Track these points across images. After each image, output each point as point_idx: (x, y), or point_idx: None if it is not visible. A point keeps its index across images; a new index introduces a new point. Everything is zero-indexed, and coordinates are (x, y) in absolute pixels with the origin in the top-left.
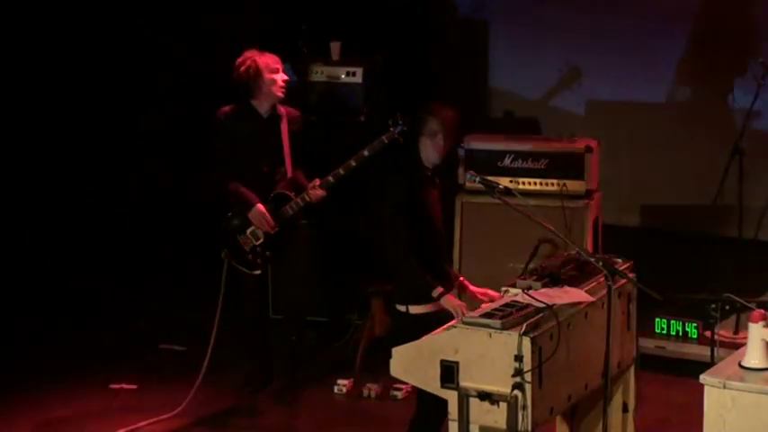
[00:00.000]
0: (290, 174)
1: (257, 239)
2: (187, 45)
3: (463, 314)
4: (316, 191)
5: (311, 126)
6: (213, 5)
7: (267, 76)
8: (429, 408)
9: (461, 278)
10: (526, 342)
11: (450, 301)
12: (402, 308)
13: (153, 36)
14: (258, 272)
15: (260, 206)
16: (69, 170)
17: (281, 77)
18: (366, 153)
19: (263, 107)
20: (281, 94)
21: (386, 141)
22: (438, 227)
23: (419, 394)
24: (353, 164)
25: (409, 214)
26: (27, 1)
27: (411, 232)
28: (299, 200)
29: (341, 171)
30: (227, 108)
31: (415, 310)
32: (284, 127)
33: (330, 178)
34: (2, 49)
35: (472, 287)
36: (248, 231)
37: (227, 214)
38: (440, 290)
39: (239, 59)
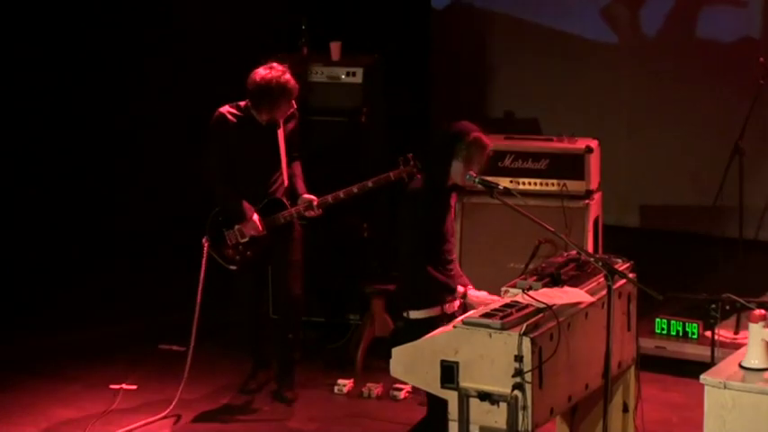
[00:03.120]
0: (285, 182)
1: (242, 237)
2: (186, 44)
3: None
4: (312, 211)
5: (311, 126)
6: (213, 5)
7: (282, 104)
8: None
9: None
10: (526, 342)
11: (474, 298)
12: (404, 313)
13: (152, 35)
14: (233, 267)
15: (256, 217)
16: (69, 169)
17: (289, 107)
18: (370, 185)
19: (261, 117)
20: (280, 121)
21: (393, 178)
22: (450, 239)
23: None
24: (355, 191)
25: (426, 231)
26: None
27: (427, 245)
28: (293, 210)
29: (341, 195)
30: (225, 108)
31: (414, 315)
32: (281, 131)
33: (330, 199)
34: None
35: (470, 288)
36: (236, 228)
37: (216, 208)
38: (461, 290)
39: (271, 73)
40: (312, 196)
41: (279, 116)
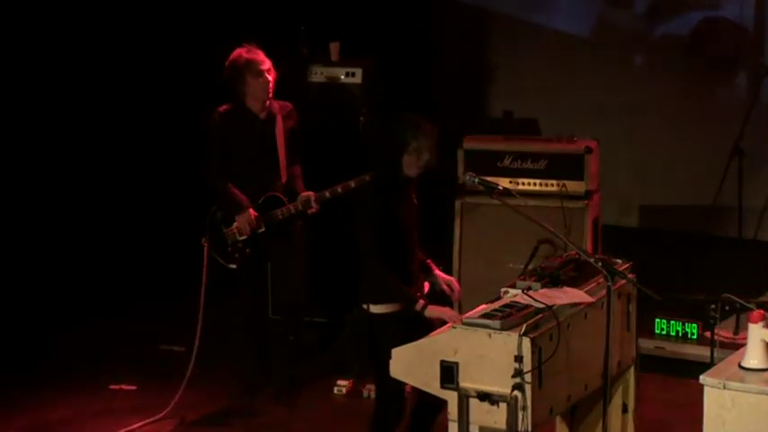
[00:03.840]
0: (284, 179)
1: (241, 235)
2: (185, 45)
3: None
4: (311, 207)
5: (310, 127)
6: (212, 5)
7: (251, 79)
8: (387, 407)
9: (428, 260)
10: (526, 342)
11: (434, 312)
12: (364, 306)
13: (150, 36)
14: (233, 266)
15: (250, 210)
16: (68, 169)
17: (264, 80)
18: (368, 179)
19: (255, 107)
20: (265, 97)
21: None
22: (410, 232)
23: (377, 394)
24: (353, 185)
25: (384, 228)
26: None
27: (385, 244)
28: (291, 207)
29: (339, 189)
30: (223, 108)
31: (375, 309)
32: (279, 128)
33: (327, 194)
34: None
35: (437, 271)
36: (234, 225)
37: (214, 206)
38: (422, 303)
39: (228, 60)
40: (310, 192)
41: (258, 93)
